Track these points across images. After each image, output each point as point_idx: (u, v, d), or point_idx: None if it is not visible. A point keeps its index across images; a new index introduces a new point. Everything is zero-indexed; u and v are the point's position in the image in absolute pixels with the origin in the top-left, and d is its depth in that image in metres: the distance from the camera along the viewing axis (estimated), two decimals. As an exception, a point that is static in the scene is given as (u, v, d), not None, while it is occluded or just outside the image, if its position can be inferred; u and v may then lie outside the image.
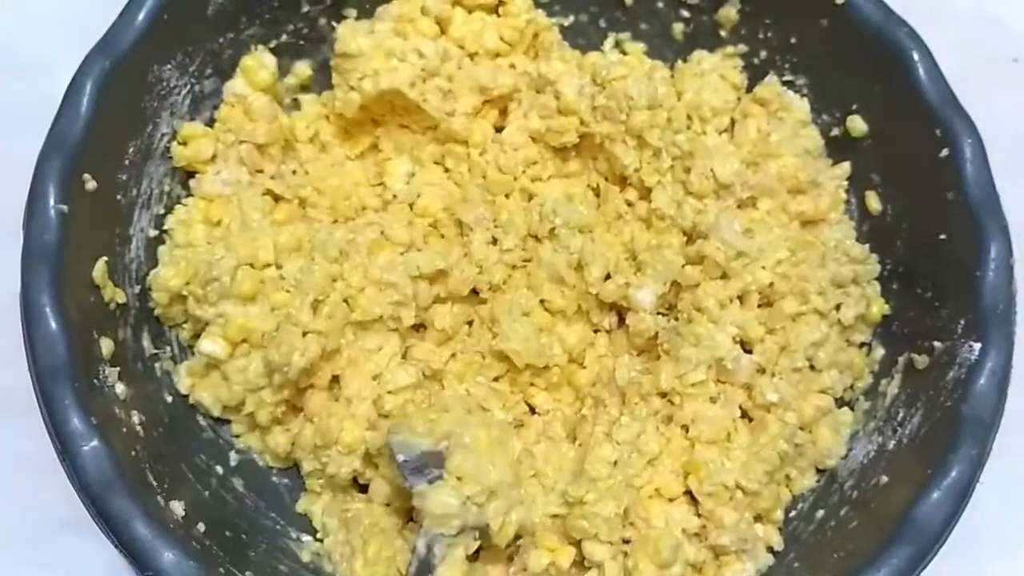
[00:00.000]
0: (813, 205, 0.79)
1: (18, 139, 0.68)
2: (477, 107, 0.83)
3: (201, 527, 0.65)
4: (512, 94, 0.83)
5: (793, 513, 0.74)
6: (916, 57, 0.73)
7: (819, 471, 0.75)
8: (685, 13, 0.86)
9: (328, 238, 0.75)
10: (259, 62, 0.78)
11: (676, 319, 0.77)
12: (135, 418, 0.66)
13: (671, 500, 0.72)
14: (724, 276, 0.75)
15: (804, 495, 0.75)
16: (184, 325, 0.75)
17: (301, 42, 0.83)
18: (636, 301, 0.76)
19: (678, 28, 0.87)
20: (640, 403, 0.74)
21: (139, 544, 0.58)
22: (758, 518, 0.72)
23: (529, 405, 0.79)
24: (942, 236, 0.72)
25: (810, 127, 0.82)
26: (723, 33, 0.85)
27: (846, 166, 0.81)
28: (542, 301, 0.78)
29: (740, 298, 0.75)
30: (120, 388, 0.66)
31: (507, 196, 0.82)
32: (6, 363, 0.67)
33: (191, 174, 0.77)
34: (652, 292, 0.75)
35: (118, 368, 0.66)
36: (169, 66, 0.73)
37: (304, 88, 0.85)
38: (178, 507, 0.64)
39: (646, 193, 0.81)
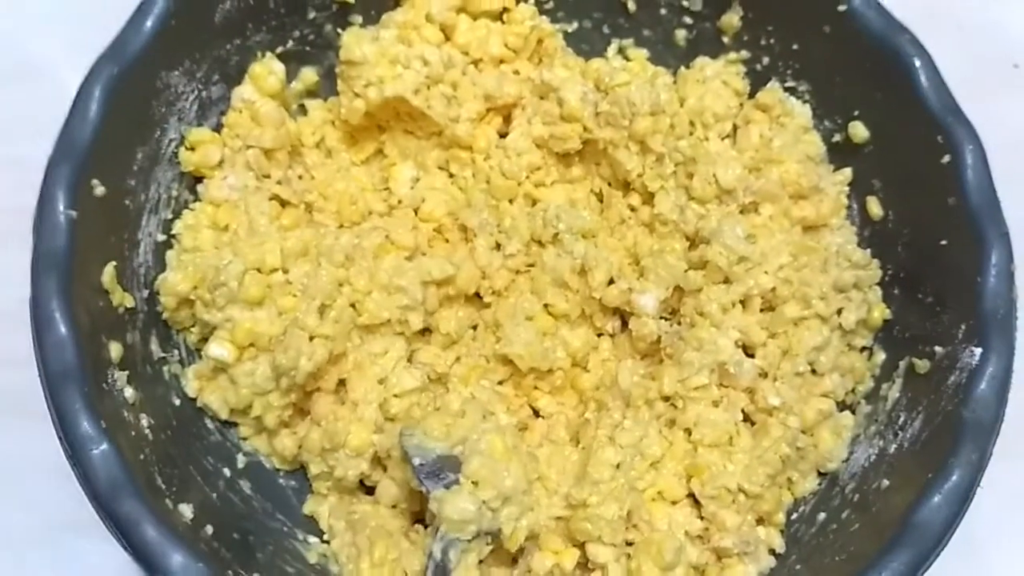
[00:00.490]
0: (815, 210, 0.79)
1: (27, 145, 0.69)
2: (481, 113, 0.83)
3: (209, 529, 0.65)
4: (516, 101, 0.83)
5: (795, 516, 0.75)
6: (918, 64, 0.73)
7: (821, 474, 0.76)
8: (688, 20, 0.87)
9: (334, 243, 0.75)
10: (268, 68, 0.79)
11: (679, 323, 0.77)
12: (144, 421, 0.67)
13: (674, 503, 0.73)
14: (726, 281, 0.76)
15: (806, 498, 0.75)
16: (192, 329, 0.75)
17: (307, 48, 0.83)
18: (639, 306, 0.76)
19: (681, 34, 0.88)
20: (643, 407, 0.75)
21: (148, 547, 0.59)
22: (760, 521, 0.73)
23: (533, 408, 0.80)
24: (943, 242, 0.72)
25: (812, 133, 0.82)
26: (726, 39, 0.85)
27: (848, 172, 0.81)
28: (546, 305, 0.79)
29: (742, 303, 0.76)
30: (129, 392, 0.66)
31: (511, 201, 0.83)
32: (13, 366, 0.68)
33: (199, 179, 0.77)
34: (655, 297, 0.76)
35: (127, 372, 0.67)
36: (177, 72, 0.73)
37: (310, 94, 0.86)
38: (186, 510, 0.65)
39: (649, 198, 0.82)
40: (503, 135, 0.85)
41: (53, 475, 0.74)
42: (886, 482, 0.70)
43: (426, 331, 0.79)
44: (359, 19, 0.84)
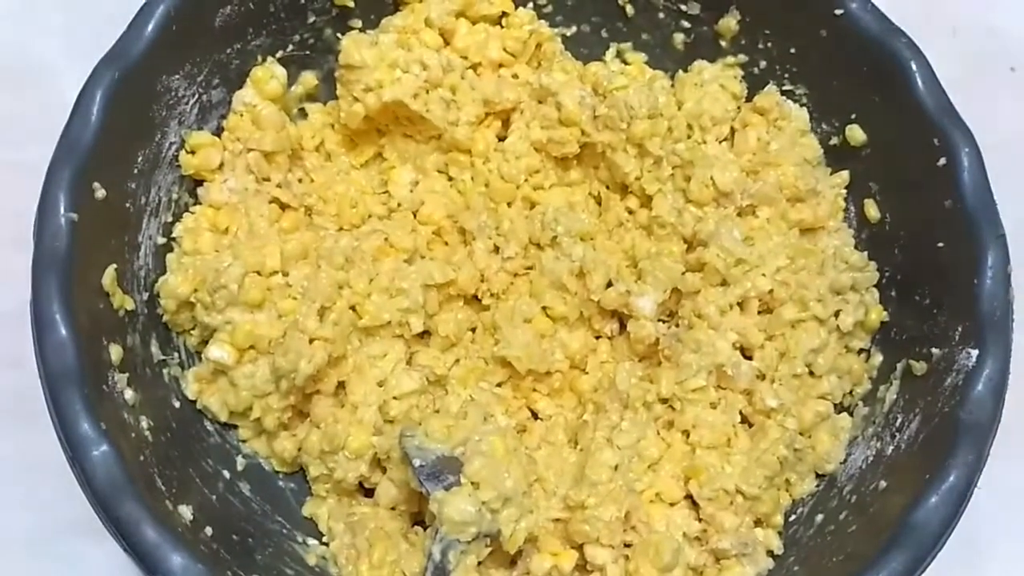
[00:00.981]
0: (812, 213, 0.79)
1: (28, 148, 0.69)
2: (480, 117, 0.84)
3: (209, 531, 0.66)
4: (515, 105, 0.84)
5: (793, 517, 0.75)
6: (914, 67, 0.74)
7: (818, 476, 0.76)
8: (686, 24, 0.87)
9: (334, 245, 0.76)
10: (270, 72, 0.79)
11: (677, 326, 0.78)
12: (143, 423, 0.67)
13: (672, 504, 0.73)
14: (724, 283, 0.76)
15: (804, 499, 0.75)
16: (192, 332, 0.75)
17: (307, 52, 0.84)
18: (637, 308, 0.76)
19: (679, 38, 0.88)
20: (641, 408, 0.75)
21: (148, 548, 0.59)
22: (758, 522, 0.73)
23: (531, 410, 0.80)
24: (940, 244, 0.73)
25: (809, 136, 0.83)
26: (723, 43, 0.86)
27: (845, 175, 0.81)
28: (544, 308, 0.79)
29: (740, 305, 0.76)
30: (129, 394, 0.66)
31: (509, 204, 0.83)
32: (13, 367, 0.68)
33: (199, 182, 0.78)
34: (653, 299, 0.76)
35: (127, 374, 0.67)
36: (177, 76, 0.74)
37: (310, 98, 0.86)
38: (186, 511, 0.65)
39: (647, 201, 0.82)
40: (502, 139, 0.85)
41: (52, 476, 0.74)
42: (883, 483, 0.70)
43: (425, 334, 0.79)
44: (359, 23, 0.84)
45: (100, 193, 0.67)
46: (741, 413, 0.75)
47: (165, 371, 0.73)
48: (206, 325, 0.73)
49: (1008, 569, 0.84)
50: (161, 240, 0.74)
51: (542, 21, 0.88)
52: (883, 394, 0.76)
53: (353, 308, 0.74)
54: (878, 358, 0.78)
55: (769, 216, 0.79)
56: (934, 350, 0.71)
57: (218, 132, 0.79)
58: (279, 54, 0.81)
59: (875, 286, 0.78)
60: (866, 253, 0.79)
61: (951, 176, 0.71)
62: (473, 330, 0.81)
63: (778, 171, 0.79)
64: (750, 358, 0.76)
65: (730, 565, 0.71)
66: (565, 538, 0.71)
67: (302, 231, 0.78)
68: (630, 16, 0.88)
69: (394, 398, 0.73)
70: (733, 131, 0.83)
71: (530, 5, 0.87)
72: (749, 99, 0.85)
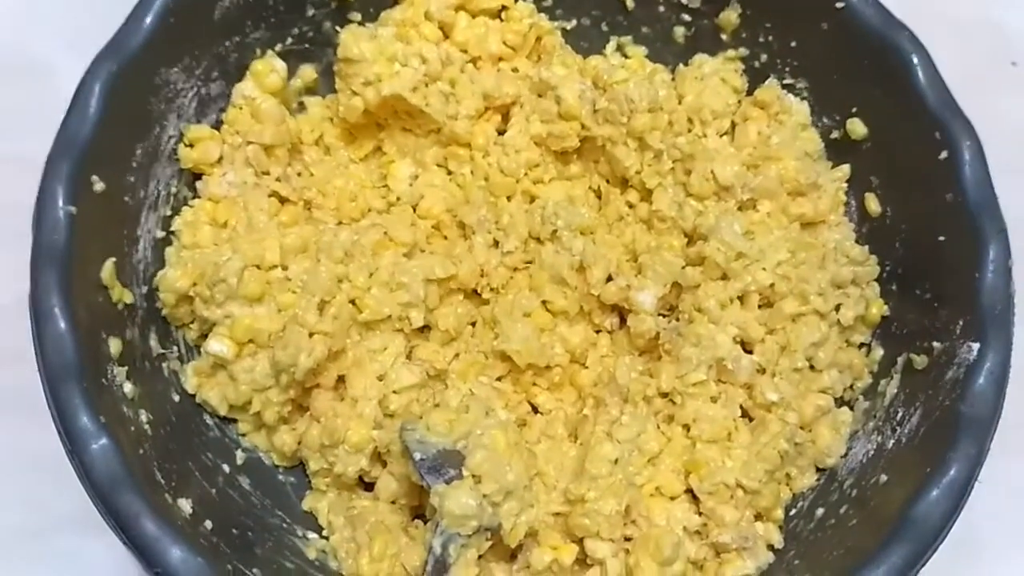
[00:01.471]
0: (813, 207, 0.79)
1: (26, 141, 0.69)
2: (480, 111, 0.83)
3: (208, 524, 0.65)
4: (515, 99, 0.84)
5: (793, 511, 0.75)
6: (916, 60, 0.74)
7: (819, 470, 0.76)
8: (686, 17, 0.87)
9: (333, 239, 0.75)
10: (270, 66, 0.79)
11: (677, 320, 0.77)
12: (143, 417, 0.67)
13: (672, 498, 0.73)
14: (724, 277, 0.76)
15: (804, 493, 0.75)
16: (191, 325, 0.75)
17: (306, 46, 0.84)
18: (637, 302, 0.76)
19: (679, 32, 0.88)
20: (641, 403, 0.75)
21: (147, 541, 0.59)
22: (759, 516, 0.73)
23: (531, 405, 0.80)
24: (941, 238, 0.72)
25: (810, 130, 0.83)
26: (724, 37, 0.86)
27: (846, 168, 0.81)
28: (544, 302, 0.79)
29: (740, 299, 0.76)
30: (128, 387, 0.66)
31: (509, 198, 0.83)
32: (10, 363, 0.68)
33: (198, 176, 0.78)
34: (653, 293, 0.76)
35: (126, 367, 0.67)
36: (176, 69, 0.73)
37: (309, 91, 0.86)
38: (185, 504, 0.65)
39: (647, 195, 0.82)
40: (501, 132, 0.85)
41: (50, 472, 0.74)
42: (884, 477, 0.70)
43: (425, 328, 0.79)
44: (358, 16, 0.84)
45: (99, 186, 0.67)
46: (741, 407, 0.75)
47: (164, 365, 0.73)
48: (205, 319, 0.72)
49: (1008, 563, 0.84)
50: (160, 234, 0.74)
51: (542, 15, 0.88)
52: (884, 388, 0.75)
53: (353, 302, 0.74)
54: (879, 352, 0.78)
55: (770, 210, 0.79)
56: (935, 344, 0.71)
57: (217, 125, 0.79)
58: (278, 47, 0.81)
59: (876, 280, 0.78)
60: (867, 247, 0.79)
61: (952, 170, 0.71)
62: (473, 324, 0.81)
63: (779, 165, 0.79)
64: (750, 352, 0.75)
65: (730, 559, 0.71)
66: (565, 532, 0.71)
67: (301, 225, 0.78)
68: (630, 9, 0.88)
69: (394, 392, 0.73)
70: (734, 125, 0.83)
71: (530, -1, 0.87)
72: (750, 93, 0.85)
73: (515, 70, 0.85)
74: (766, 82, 0.84)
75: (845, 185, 0.81)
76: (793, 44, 0.82)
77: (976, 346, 0.68)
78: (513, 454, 0.69)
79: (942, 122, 0.72)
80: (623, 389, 0.75)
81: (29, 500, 0.81)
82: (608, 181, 0.85)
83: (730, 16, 0.84)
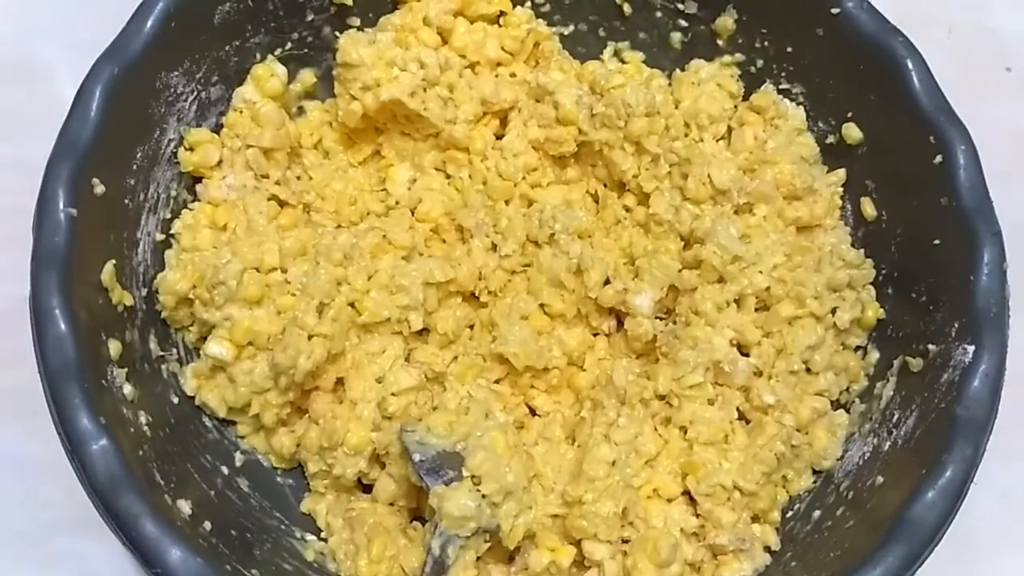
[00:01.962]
0: (809, 211, 0.80)
1: (27, 144, 0.69)
2: (478, 115, 0.84)
3: (207, 526, 0.66)
4: (513, 104, 0.84)
5: (790, 513, 0.75)
6: (910, 66, 0.74)
7: (815, 472, 0.76)
8: (683, 23, 0.87)
9: (332, 242, 0.76)
10: (271, 71, 0.80)
11: (674, 323, 0.78)
12: (142, 418, 0.67)
13: (669, 500, 0.73)
14: (721, 280, 0.76)
15: (801, 495, 0.76)
16: (190, 328, 0.75)
17: (306, 50, 0.84)
18: (634, 305, 0.77)
19: (676, 37, 0.88)
20: (638, 405, 0.75)
21: (147, 542, 0.59)
22: (755, 518, 0.73)
23: (529, 407, 0.80)
24: (936, 241, 0.73)
25: (806, 134, 0.83)
26: (720, 42, 0.86)
27: (841, 173, 0.82)
28: (542, 305, 0.79)
29: (737, 302, 0.76)
30: (128, 389, 0.67)
31: (507, 202, 0.83)
32: (11, 365, 0.68)
33: (198, 179, 0.78)
34: (650, 296, 0.76)
35: (126, 369, 0.67)
36: (176, 73, 0.74)
37: (308, 95, 0.86)
38: (185, 506, 0.65)
39: (644, 199, 0.82)
40: (499, 137, 0.85)
41: (50, 474, 0.75)
42: (880, 479, 0.70)
43: (423, 331, 0.79)
44: (357, 22, 0.85)
45: (99, 189, 0.67)
46: (738, 409, 0.75)
47: (164, 367, 0.73)
48: (205, 321, 0.73)
49: (1003, 565, 0.84)
50: (160, 236, 0.75)
51: (540, 20, 0.88)
52: (880, 390, 0.76)
53: (352, 305, 0.75)
54: (875, 355, 0.78)
55: (766, 214, 0.79)
56: (930, 346, 0.72)
57: (217, 129, 0.79)
58: (278, 52, 0.82)
59: (872, 283, 0.79)
60: (863, 250, 0.79)
61: (947, 174, 0.71)
62: (471, 327, 0.81)
63: (775, 169, 0.79)
64: (747, 355, 0.76)
65: (727, 561, 0.71)
66: (563, 534, 0.71)
67: (300, 228, 0.79)
68: (627, 15, 0.89)
69: (392, 394, 0.73)
70: (730, 129, 0.84)
71: (528, 4, 0.88)
72: (746, 98, 0.85)
73: (513, 75, 0.86)
74: (762, 87, 0.84)
75: (841, 189, 0.82)
76: (789, 50, 0.83)
77: (971, 348, 0.68)
78: (512, 455, 0.69)
79: (937, 127, 0.72)
80: (620, 391, 0.76)
81: (29, 501, 0.81)
82: (605, 185, 0.85)
83: (726, 22, 0.84)
